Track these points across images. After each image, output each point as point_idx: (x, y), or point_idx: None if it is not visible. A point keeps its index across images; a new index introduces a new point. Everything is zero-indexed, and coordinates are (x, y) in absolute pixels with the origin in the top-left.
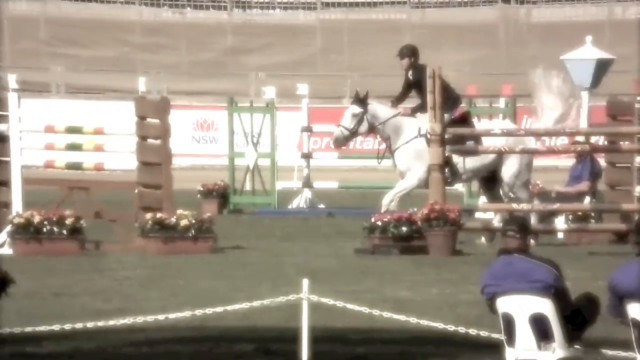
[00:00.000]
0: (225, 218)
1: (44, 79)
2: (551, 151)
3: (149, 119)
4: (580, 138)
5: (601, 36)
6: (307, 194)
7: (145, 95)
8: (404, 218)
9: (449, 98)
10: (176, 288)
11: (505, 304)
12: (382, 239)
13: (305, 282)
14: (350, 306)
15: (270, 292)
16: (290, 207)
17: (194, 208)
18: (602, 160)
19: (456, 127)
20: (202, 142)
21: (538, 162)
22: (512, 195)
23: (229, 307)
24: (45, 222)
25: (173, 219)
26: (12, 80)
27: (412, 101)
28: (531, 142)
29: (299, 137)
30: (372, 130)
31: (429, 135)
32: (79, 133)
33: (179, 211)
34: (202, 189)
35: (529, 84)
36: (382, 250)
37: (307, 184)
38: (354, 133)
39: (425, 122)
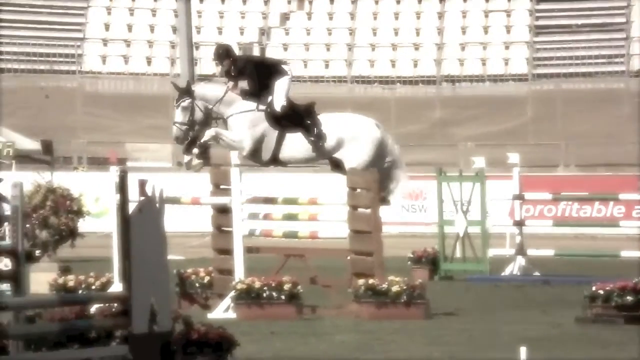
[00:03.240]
0: (436, 284)
1: None
2: None
3: (359, 190)
4: None
5: None
6: (520, 261)
7: (356, 168)
8: (629, 287)
9: (273, 71)
10: (391, 353)
11: None
12: (605, 307)
13: (523, 350)
14: None
15: None
16: (503, 274)
17: (404, 274)
18: None
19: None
20: (411, 211)
21: None
22: None
23: None
24: (265, 288)
25: (385, 285)
26: (234, 156)
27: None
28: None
29: (510, 205)
30: (208, 114)
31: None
32: (294, 204)
33: (390, 277)
34: (412, 255)
35: None
36: (605, 320)
37: (521, 251)
38: (191, 124)
39: (263, 101)
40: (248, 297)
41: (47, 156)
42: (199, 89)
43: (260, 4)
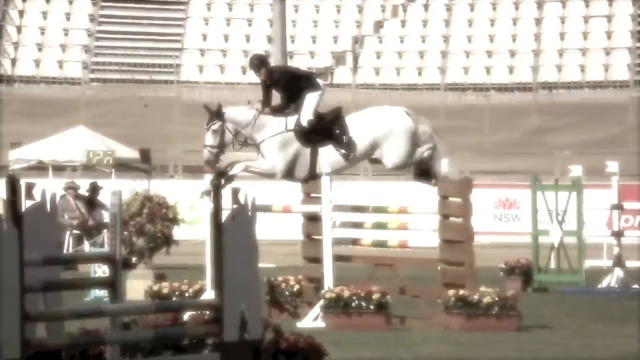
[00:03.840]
0: (528, 296)
1: None
2: None
3: (451, 198)
4: None
5: None
6: (618, 273)
7: (447, 175)
8: None
9: (305, 83)
10: None
11: None
12: None
13: None
14: None
15: None
16: (599, 286)
17: (496, 285)
18: None
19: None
20: (504, 220)
21: None
22: None
23: None
24: (354, 297)
25: (476, 296)
26: (325, 165)
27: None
28: None
29: (609, 215)
30: (237, 136)
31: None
32: (384, 212)
33: (482, 288)
34: (504, 266)
35: None
36: None
37: (619, 262)
38: (222, 147)
39: (291, 118)
40: (337, 306)
41: (145, 164)
42: (229, 112)
43: (355, 13)
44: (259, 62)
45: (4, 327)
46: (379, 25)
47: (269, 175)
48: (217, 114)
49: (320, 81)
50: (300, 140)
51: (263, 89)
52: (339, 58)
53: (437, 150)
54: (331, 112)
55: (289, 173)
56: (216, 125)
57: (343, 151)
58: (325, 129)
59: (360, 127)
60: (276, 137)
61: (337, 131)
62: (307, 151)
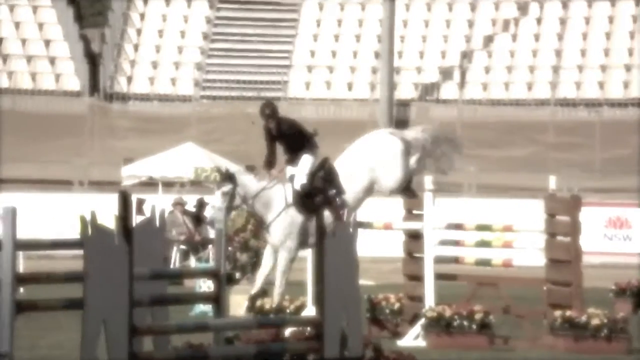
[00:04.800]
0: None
1: (457, 179)
2: None
3: (558, 217)
4: None
5: None
6: None
7: (555, 193)
8: None
9: (306, 142)
10: None
11: None
12: None
13: None
14: None
15: None
16: None
17: (605, 307)
18: None
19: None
20: (614, 240)
21: None
22: None
23: None
24: (456, 317)
25: (584, 318)
26: (428, 181)
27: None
28: None
29: None
30: (244, 202)
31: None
32: (488, 230)
33: (590, 310)
34: (614, 287)
35: None
36: None
37: None
38: (229, 210)
39: (289, 188)
40: (438, 325)
41: None
42: (241, 178)
43: (464, 27)
44: (270, 112)
45: (113, 341)
46: (489, 39)
47: (292, 262)
48: (229, 177)
49: (316, 140)
50: (300, 211)
51: (267, 139)
52: (446, 73)
53: (424, 158)
54: (320, 165)
55: (303, 245)
56: (227, 188)
57: (341, 212)
58: (319, 192)
59: (352, 169)
60: (282, 217)
61: (331, 192)
62: (310, 221)
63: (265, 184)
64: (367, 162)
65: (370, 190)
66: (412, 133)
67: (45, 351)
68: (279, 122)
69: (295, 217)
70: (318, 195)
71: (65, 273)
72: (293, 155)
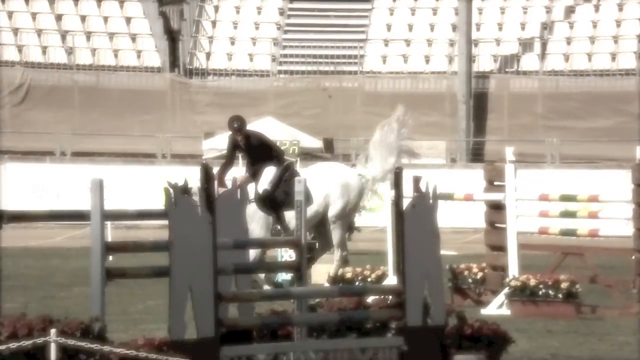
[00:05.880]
0: None
1: (539, 150)
2: None
3: None
4: None
5: None
6: None
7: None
8: None
9: (274, 157)
10: None
11: None
12: None
13: None
14: None
15: None
16: None
17: None
18: None
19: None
20: None
21: None
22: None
23: None
24: (541, 286)
25: None
26: (509, 152)
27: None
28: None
29: None
30: None
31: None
32: (573, 201)
33: None
34: None
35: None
36: None
37: None
38: None
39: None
40: (522, 294)
41: (328, 154)
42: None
43: None
44: (239, 126)
45: (199, 307)
46: (570, 10)
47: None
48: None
49: (285, 160)
50: (261, 208)
51: (229, 152)
52: (526, 44)
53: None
54: (284, 169)
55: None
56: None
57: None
58: (281, 195)
59: (314, 184)
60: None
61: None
62: (269, 217)
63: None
64: (324, 189)
65: (319, 215)
66: (373, 171)
67: (135, 316)
68: (247, 136)
69: (252, 212)
70: (283, 195)
71: (152, 242)
72: (255, 170)
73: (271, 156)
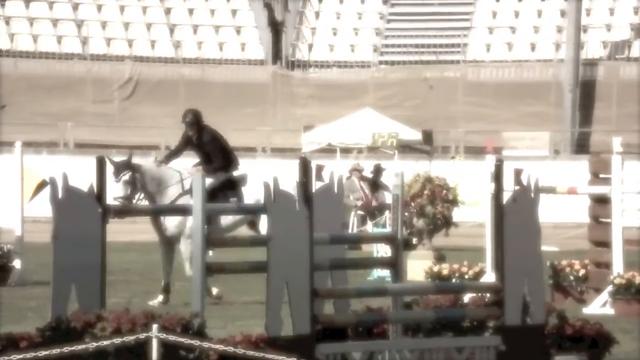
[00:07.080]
0: None
1: None
2: None
3: None
4: None
5: None
6: None
7: None
8: None
9: (228, 159)
10: None
11: None
12: None
13: None
14: None
15: None
16: None
17: None
18: None
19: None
20: None
21: None
22: None
23: None
24: None
25: None
26: (616, 143)
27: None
28: None
29: None
30: (143, 188)
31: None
32: None
33: None
34: None
35: None
36: None
37: None
38: (130, 199)
39: (187, 181)
40: (627, 292)
41: (427, 146)
42: (143, 163)
43: None
44: (192, 119)
45: (295, 303)
46: None
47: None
48: (126, 165)
49: (240, 171)
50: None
51: (181, 144)
52: (638, 30)
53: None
54: (230, 183)
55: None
56: (127, 176)
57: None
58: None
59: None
60: (177, 201)
61: (232, 198)
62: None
63: (164, 169)
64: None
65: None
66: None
67: (233, 312)
68: (200, 131)
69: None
70: (219, 195)
71: (251, 237)
72: (206, 168)
73: (227, 160)
